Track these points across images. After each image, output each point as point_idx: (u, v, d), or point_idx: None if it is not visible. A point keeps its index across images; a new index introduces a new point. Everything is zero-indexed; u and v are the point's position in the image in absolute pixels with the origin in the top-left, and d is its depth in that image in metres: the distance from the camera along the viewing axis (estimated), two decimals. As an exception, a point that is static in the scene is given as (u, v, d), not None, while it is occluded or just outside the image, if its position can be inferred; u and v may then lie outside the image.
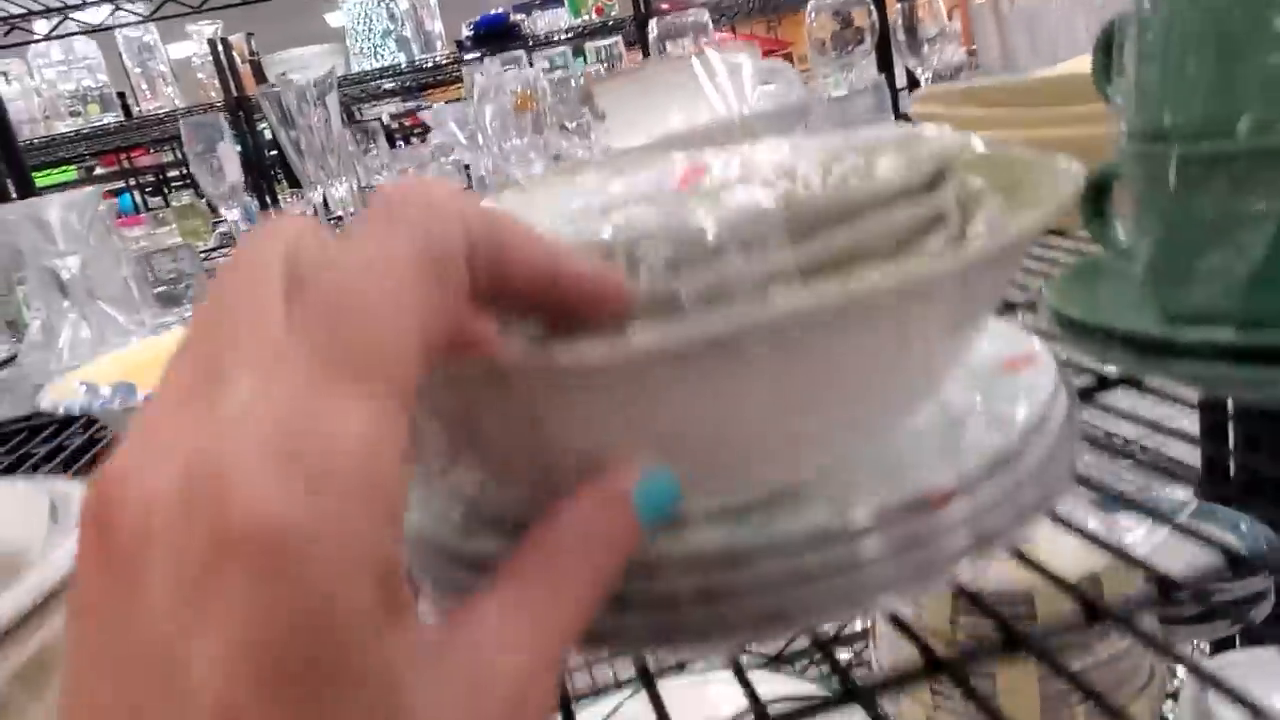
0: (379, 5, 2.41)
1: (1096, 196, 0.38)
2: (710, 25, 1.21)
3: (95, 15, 1.82)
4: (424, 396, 0.16)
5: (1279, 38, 0.28)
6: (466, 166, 1.11)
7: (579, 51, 2.82)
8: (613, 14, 2.67)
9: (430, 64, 2.41)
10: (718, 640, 0.22)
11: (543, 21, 2.62)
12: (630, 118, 0.51)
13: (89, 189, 0.92)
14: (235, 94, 2.15)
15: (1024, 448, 0.23)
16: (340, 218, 1.13)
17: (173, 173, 4.49)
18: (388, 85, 2.70)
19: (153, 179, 4.60)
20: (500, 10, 2.63)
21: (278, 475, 0.13)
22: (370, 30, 2.44)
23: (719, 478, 0.21)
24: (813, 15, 1.30)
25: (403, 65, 2.50)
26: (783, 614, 0.22)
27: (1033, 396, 0.25)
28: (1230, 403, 0.89)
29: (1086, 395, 0.38)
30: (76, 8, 1.68)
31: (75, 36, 2.28)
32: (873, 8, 1.37)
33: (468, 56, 2.28)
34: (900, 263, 0.18)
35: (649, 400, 0.18)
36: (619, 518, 0.18)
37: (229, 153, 1.15)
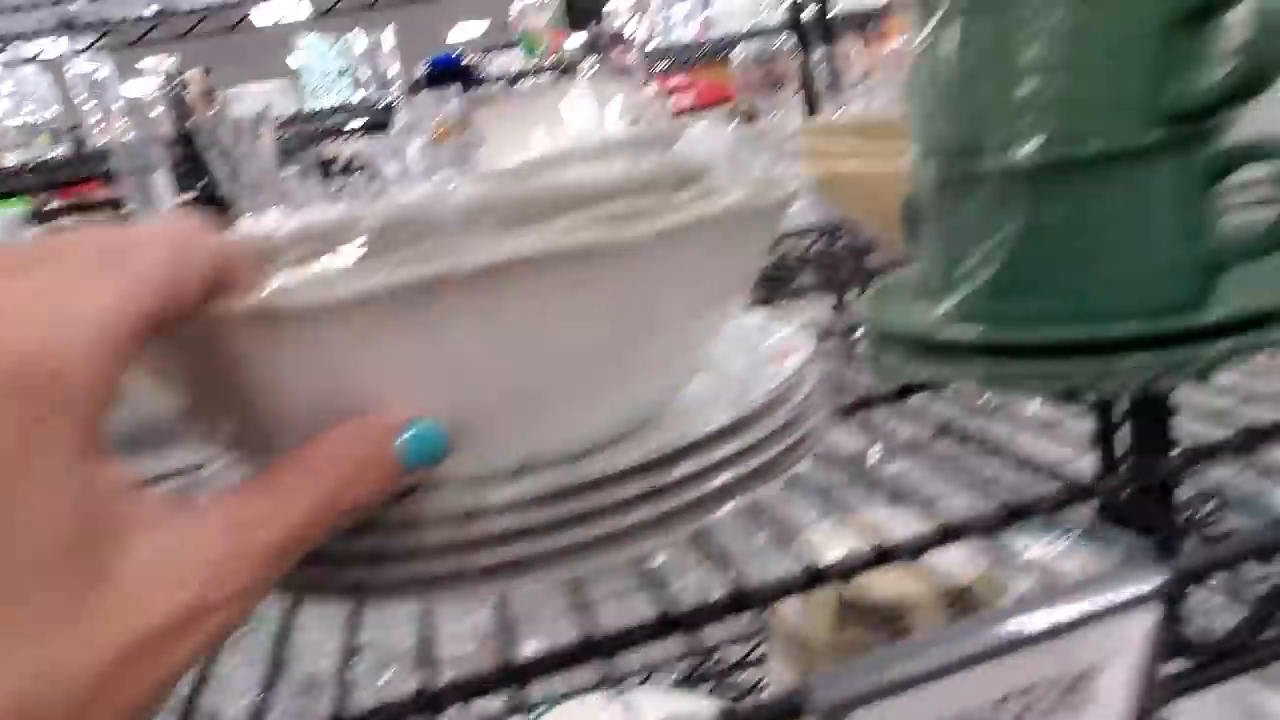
0: (333, 46, 2.45)
1: (912, 215, 0.42)
2: (639, 73, 1.25)
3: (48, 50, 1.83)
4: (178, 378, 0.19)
5: (1016, 69, 0.31)
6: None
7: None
8: (567, 56, 2.73)
9: (383, 104, 2.44)
10: (467, 589, 0.24)
11: (497, 64, 2.67)
12: (504, 142, 0.54)
13: (14, 209, 0.94)
14: (188, 127, 2.17)
15: (757, 419, 0.26)
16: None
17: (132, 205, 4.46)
18: (353, 124, 2.74)
19: (108, 211, 4.58)
20: (454, 52, 2.69)
21: (34, 315, 0.16)
22: (326, 70, 2.48)
23: (468, 433, 0.23)
24: (737, 59, 1.35)
25: (354, 104, 2.54)
26: (525, 564, 0.24)
27: (777, 379, 0.28)
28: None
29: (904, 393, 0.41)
30: (25, 37, 1.69)
31: (28, 73, 2.29)
32: (800, 52, 1.43)
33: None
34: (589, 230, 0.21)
35: (384, 344, 0.20)
36: (375, 449, 0.21)
37: (164, 183, 1.17)
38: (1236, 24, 0.29)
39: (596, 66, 1.26)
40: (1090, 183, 0.31)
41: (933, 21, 0.33)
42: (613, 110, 0.53)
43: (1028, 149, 0.31)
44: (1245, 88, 0.29)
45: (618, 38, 2.80)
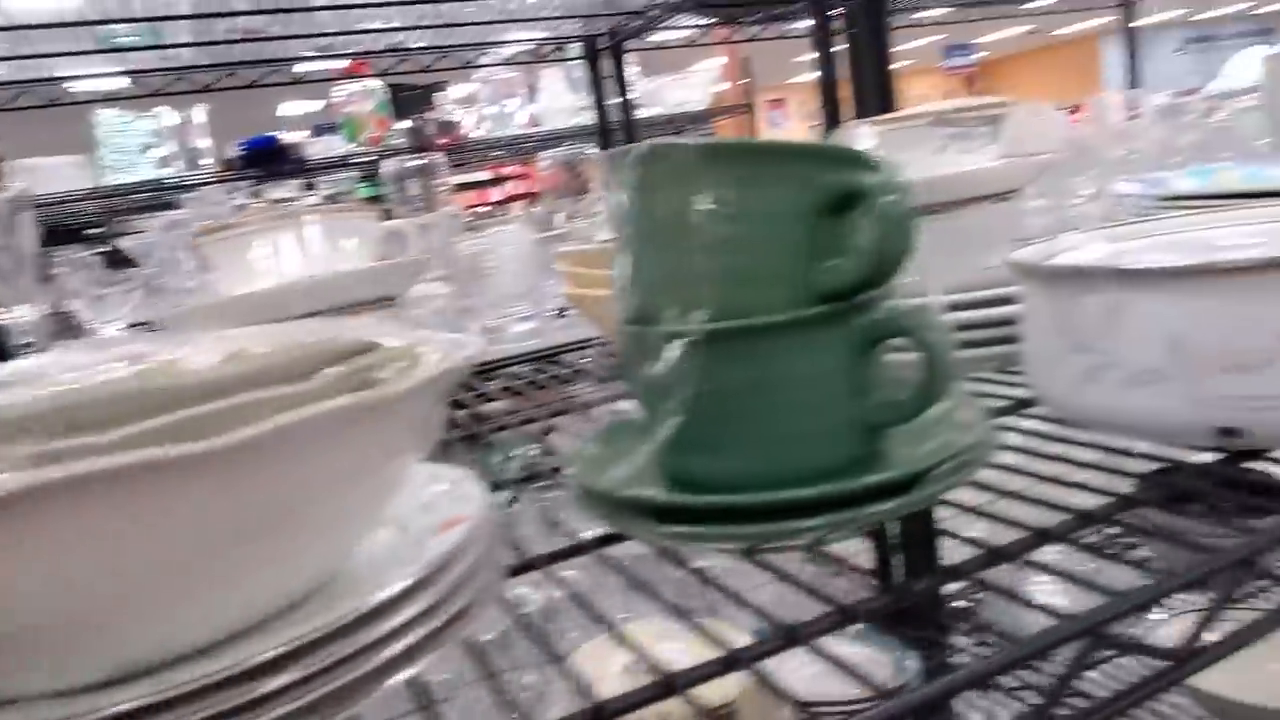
0: (135, 120, 2.33)
1: (623, 370, 0.43)
2: (441, 167, 1.26)
3: None
4: None
5: (684, 244, 0.33)
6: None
7: (370, 178, 2.84)
8: (392, 143, 2.71)
9: (189, 182, 2.33)
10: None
11: (317, 147, 2.62)
12: (234, 270, 0.53)
13: None
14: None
15: (411, 597, 0.26)
16: (29, 344, 1.06)
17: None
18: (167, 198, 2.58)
19: None
20: (272, 133, 2.62)
21: None
22: (125, 145, 2.35)
23: (34, 648, 0.22)
24: (544, 163, 1.39)
25: (164, 180, 2.41)
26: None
27: (440, 549, 0.28)
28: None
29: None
30: None
31: None
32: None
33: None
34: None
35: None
36: None
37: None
38: (868, 218, 0.32)
39: (411, 163, 1.26)
40: (755, 352, 0.33)
41: (614, 196, 0.35)
42: (352, 237, 0.52)
43: (696, 320, 0.33)
44: (875, 276, 0.32)
45: (446, 126, 2.82)
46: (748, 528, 0.33)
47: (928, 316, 0.33)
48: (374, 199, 1.95)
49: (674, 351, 0.34)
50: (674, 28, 1.68)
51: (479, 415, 0.68)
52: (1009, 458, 0.43)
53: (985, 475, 0.38)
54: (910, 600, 0.34)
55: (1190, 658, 0.26)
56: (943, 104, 0.53)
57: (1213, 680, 0.82)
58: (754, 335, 0.33)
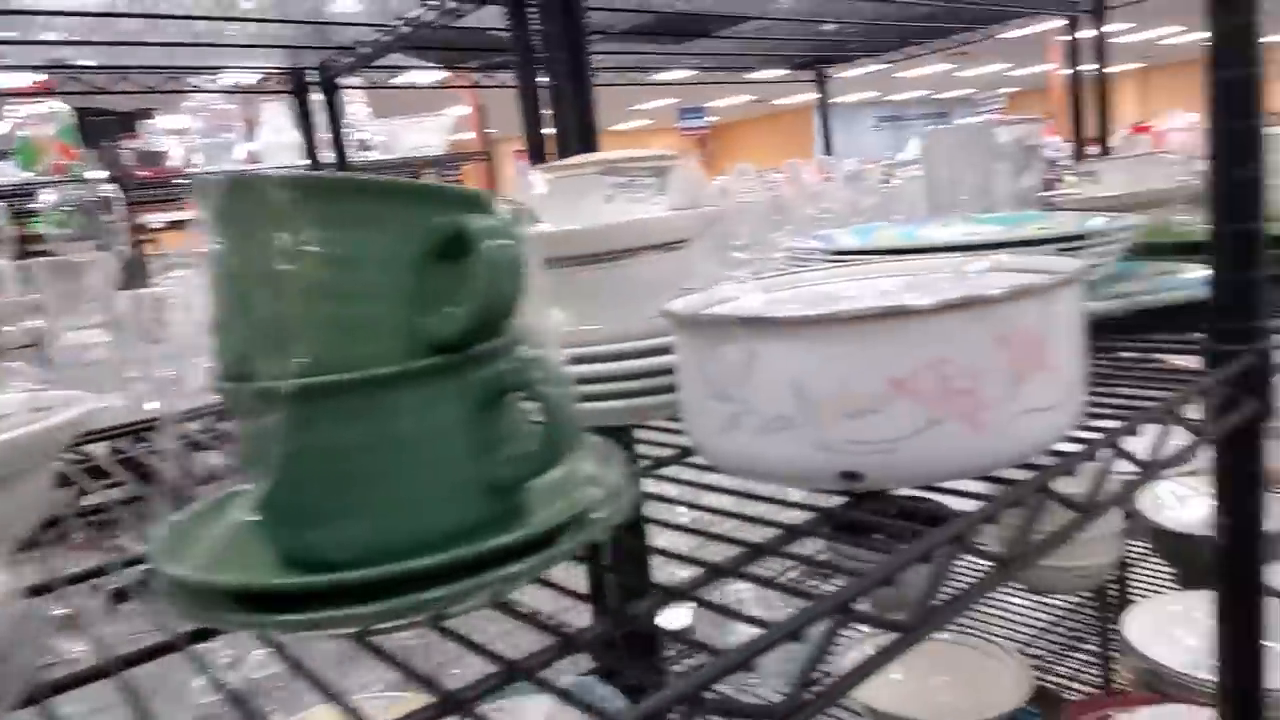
0: None
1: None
2: (117, 201, 1.12)
3: None
4: None
5: (278, 293, 0.29)
6: None
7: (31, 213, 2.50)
8: (83, 174, 2.42)
9: None
10: None
11: (-15, 174, 2.28)
12: None
13: None
14: None
15: None
16: None
17: None
18: None
19: None
20: (-76, 155, 2.24)
21: None
22: None
23: None
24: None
25: None
26: None
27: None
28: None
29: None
30: None
31: None
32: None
33: None
34: None
35: None
36: None
37: None
38: (477, 264, 0.30)
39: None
40: (361, 409, 0.30)
41: (207, 240, 0.31)
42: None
43: (292, 373, 0.29)
44: (486, 324, 0.30)
45: (149, 157, 2.57)
46: (360, 608, 0.30)
47: (547, 368, 0.31)
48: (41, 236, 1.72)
49: (269, 410, 0.30)
50: (395, 67, 1.64)
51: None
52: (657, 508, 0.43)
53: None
54: (628, 625, 0.32)
55: (785, 718, 0.26)
56: (611, 153, 0.53)
57: (878, 696, 0.89)
58: (358, 390, 0.29)
